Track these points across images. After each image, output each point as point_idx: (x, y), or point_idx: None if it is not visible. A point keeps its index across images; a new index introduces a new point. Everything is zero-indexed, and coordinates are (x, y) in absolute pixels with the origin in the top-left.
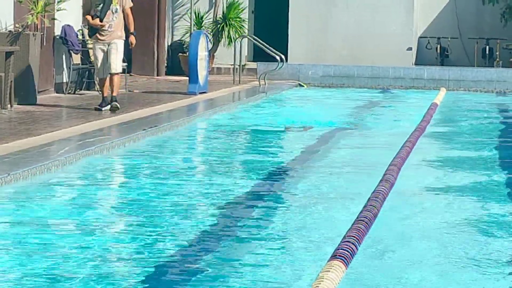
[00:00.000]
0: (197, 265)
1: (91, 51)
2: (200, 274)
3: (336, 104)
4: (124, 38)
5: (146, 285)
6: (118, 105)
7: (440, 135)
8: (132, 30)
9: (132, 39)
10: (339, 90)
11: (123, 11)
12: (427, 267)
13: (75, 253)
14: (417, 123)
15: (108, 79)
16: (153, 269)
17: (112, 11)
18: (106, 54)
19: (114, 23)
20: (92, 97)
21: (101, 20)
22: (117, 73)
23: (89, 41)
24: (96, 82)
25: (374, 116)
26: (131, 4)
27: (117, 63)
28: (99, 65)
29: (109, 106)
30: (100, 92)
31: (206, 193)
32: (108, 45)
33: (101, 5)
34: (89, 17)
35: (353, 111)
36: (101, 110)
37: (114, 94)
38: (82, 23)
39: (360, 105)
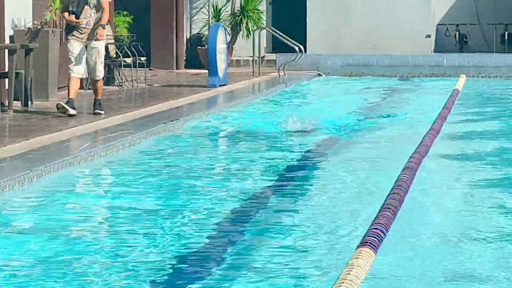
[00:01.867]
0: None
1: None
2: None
3: (358, 94)
4: (105, 37)
5: None
6: (102, 112)
7: (463, 122)
8: (103, 22)
9: (100, 31)
10: (359, 79)
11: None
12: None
13: (102, 253)
14: (439, 111)
15: (90, 83)
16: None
17: (90, 6)
18: (85, 52)
19: (92, 19)
20: (112, 92)
21: (77, 17)
22: (100, 79)
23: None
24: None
25: (397, 104)
26: None
27: (100, 69)
28: (74, 60)
29: (90, 109)
30: (68, 92)
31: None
32: (87, 46)
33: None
34: (65, 14)
35: (377, 100)
36: (66, 108)
37: (99, 97)
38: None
39: (382, 94)
